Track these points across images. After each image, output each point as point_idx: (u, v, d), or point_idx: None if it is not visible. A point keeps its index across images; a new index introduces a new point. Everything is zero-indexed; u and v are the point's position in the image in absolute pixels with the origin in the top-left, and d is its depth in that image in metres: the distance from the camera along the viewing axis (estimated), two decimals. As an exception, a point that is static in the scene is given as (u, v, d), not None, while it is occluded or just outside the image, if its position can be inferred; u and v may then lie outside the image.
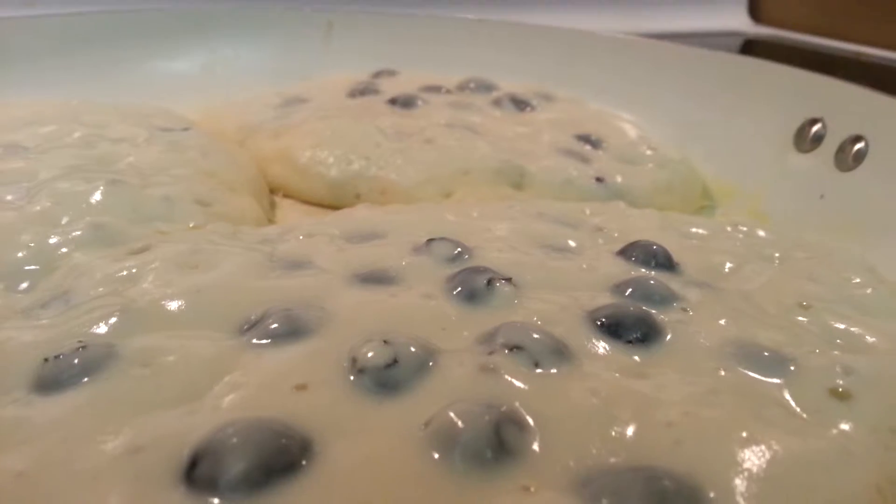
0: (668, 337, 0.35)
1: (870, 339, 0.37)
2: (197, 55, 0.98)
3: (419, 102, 0.77)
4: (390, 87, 0.82)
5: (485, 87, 0.84)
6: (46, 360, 0.32)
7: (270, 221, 0.58)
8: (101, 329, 0.34)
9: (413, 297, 0.37)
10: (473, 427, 0.27)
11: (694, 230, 0.51)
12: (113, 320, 0.35)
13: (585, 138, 0.71)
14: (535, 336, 0.33)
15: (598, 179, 0.63)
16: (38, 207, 0.47)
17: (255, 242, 0.44)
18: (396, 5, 1.17)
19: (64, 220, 0.46)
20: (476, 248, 0.43)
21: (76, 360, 0.32)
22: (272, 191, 0.65)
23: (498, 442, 0.27)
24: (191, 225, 0.48)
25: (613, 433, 0.28)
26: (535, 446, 0.27)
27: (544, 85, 0.87)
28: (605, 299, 0.38)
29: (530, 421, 0.28)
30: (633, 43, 0.93)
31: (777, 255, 0.48)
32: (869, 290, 0.43)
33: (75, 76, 0.86)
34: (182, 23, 1.01)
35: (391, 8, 1.14)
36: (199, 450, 0.26)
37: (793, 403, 0.31)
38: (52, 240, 0.44)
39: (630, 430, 0.28)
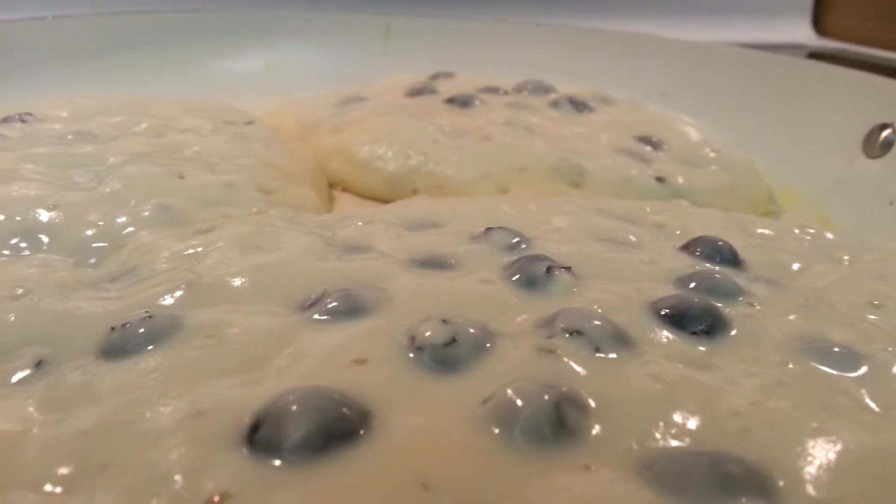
0: (734, 331, 0.34)
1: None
2: (259, 56, 1.00)
3: (477, 102, 0.77)
4: (448, 88, 0.83)
5: (542, 88, 0.84)
6: (113, 328, 0.33)
7: (329, 212, 0.59)
8: (168, 301, 0.35)
9: (471, 282, 0.37)
10: (533, 405, 0.27)
11: (760, 230, 0.50)
12: (179, 293, 0.35)
13: (646, 139, 0.70)
14: (596, 322, 0.32)
15: (659, 179, 0.62)
16: (108, 189, 0.48)
17: (315, 227, 0.45)
18: (454, 9, 1.18)
19: (132, 202, 0.47)
20: (534, 239, 0.43)
21: (142, 329, 0.32)
22: (331, 185, 0.66)
23: (558, 421, 0.26)
24: (254, 210, 0.49)
25: (677, 419, 0.27)
26: (596, 428, 0.27)
27: (602, 88, 0.86)
28: (668, 291, 0.37)
29: (591, 402, 0.28)
30: (694, 46, 0.92)
31: (846, 257, 0.47)
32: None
33: (142, 73, 0.89)
34: (245, 25, 1.03)
35: (449, 11, 1.15)
36: (262, 414, 0.26)
37: (866, 398, 0.30)
38: (120, 219, 0.46)
39: (694, 417, 0.28)
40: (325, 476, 0.24)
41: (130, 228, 0.44)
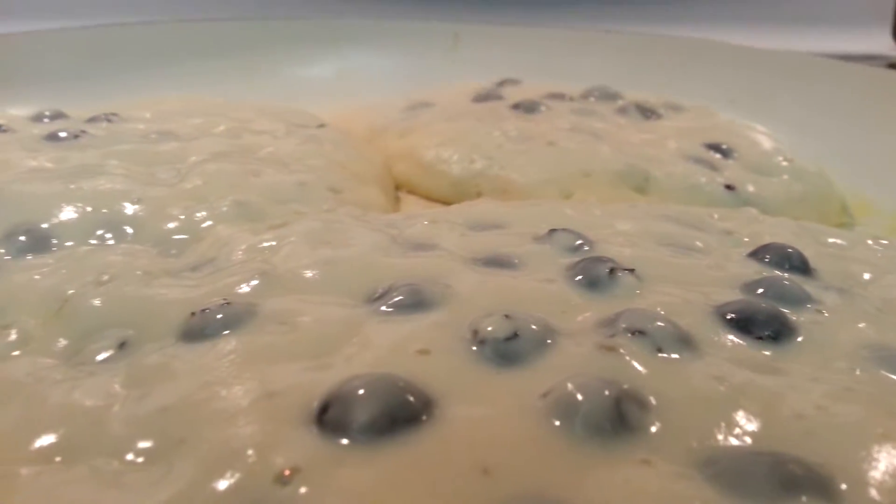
0: (801, 337, 0.34)
1: None
2: (331, 62, 1.03)
3: (542, 108, 0.77)
4: (514, 94, 0.83)
5: (609, 95, 0.84)
6: (193, 313, 0.35)
7: (395, 211, 0.60)
8: (244, 289, 0.37)
9: (533, 281, 0.38)
10: (593, 399, 0.27)
11: (831, 240, 0.49)
12: (254, 282, 0.37)
13: (715, 147, 0.69)
14: (659, 323, 0.32)
15: (728, 187, 0.61)
16: (189, 185, 0.51)
17: (382, 225, 0.46)
18: (523, 16, 1.19)
19: (211, 198, 0.49)
20: (598, 242, 0.43)
21: (219, 315, 0.34)
22: (397, 187, 0.68)
23: (618, 416, 0.27)
24: (324, 208, 0.51)
25: (739, 419, 0.27)
26: (656, 425, 0.27)
27: (672, 95, 0.85)
28: (734, 296, 0.37)
29: (652, 400, 0.28)
30: (767, 54, 0.90)
31: (922, 268, 0.45)
32: None
33: (220, 78, 0.93)
34: (319, 33, 1.06)
35: (518, 19, 1.15)
36: (331, 397, 0.27)
37: (938, 408, 0.29)
38: (200, 213, 0.48)
39: (757, 419, 0.28)
40: (389, 456, 0.25)
41: (209, 222, 0.47)
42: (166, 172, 0.54)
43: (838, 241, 0.49)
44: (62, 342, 0.35)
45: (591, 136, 0.69)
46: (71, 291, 0.38)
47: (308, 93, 0.90)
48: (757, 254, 0.43)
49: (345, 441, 0.26)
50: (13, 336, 0.36)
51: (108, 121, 0.67)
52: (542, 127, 0.71)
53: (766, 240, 0.46)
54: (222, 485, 0.24)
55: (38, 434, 0.28)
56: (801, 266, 0.42)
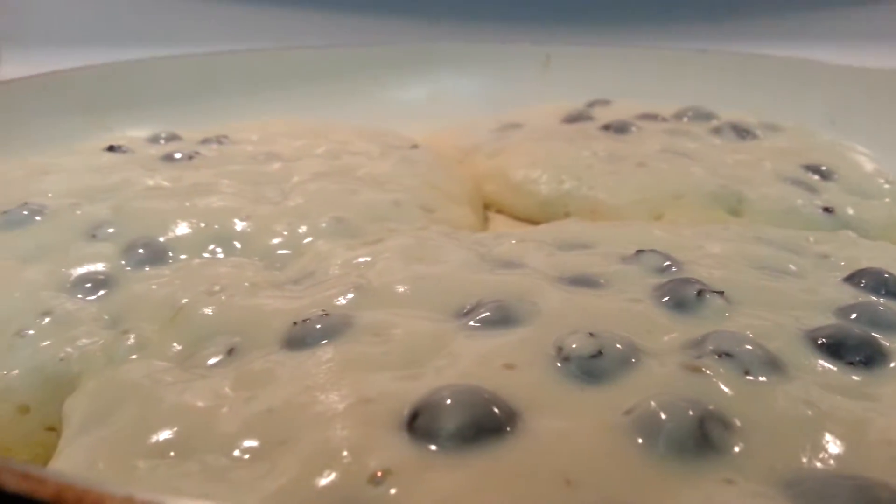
0: (893, 363, 0.33)
1: None
2: (423, 85, 1.06)
3: (633, 129, 0.77)
4: (604, 115, 0.83)
5: (703, 115, 0.83)
6: (295, 323, 0.37)
7: (484, 230, 0.62)
8: (341, 302, 0.39)
9: (619, 301, 0.38)
10: (677, 418, 0.27)
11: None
12: (350, 296, 0.39)
13: (814, 168, 0.67)
14: (748, 346, 0.32)
15: (827, 210, 0.60)
16: (292, 203, 0.54)
17: (471, 244, 0.48)
18: (614, 37, 1.18)
19: (312, 215, 0.52)
20: (686, 263, 0.43)
21: (319, 325, 0.37)
22: (486, 206, 0.69)
23: (702, 436, 0.27)
24: (417, 227, 0.53)
25: (824, 443, 0.27)
26: (740, 446, 0.27)
27: (769, 115, 0.84)
28: (826, 321, 0.36)
29: (737, 422, 0.28)
30: (867, 72, 0.87)
31: None
32: None
33: (319, 101, 0.97)
34: (411, 57, 1.10)
35: (609, 40, 1.15)
36: (420, 405, 0.29)
37: None
38: (302, 229, 0.51)
39: (843, 443, 0.27)
40: (474, 464, 0.26)
41: (310, 238, 0.49)
42: (272, 191, 0.57)
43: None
44: (176, 347, 0.38)
45: (684, 156, 0.69)
46: (185, 300, 0.41)
47: (402, 115, 0.93)
48: (853, 278, 0.42)
49: (433, 447, 0.27)
50: (131, 341, 0.39)
51: (219, 143, 0.72)
52: (632, 148, 0.71)
53: (864, 264, 0.45)
54: (320, 482, 0.26)
55: (154, 431, 0.31)
56: (899, 293, 0.40)
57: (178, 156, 0.66)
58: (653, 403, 0.28)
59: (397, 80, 1.06)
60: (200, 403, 0.32)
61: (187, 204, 0.54)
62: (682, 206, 0.60)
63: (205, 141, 0.72)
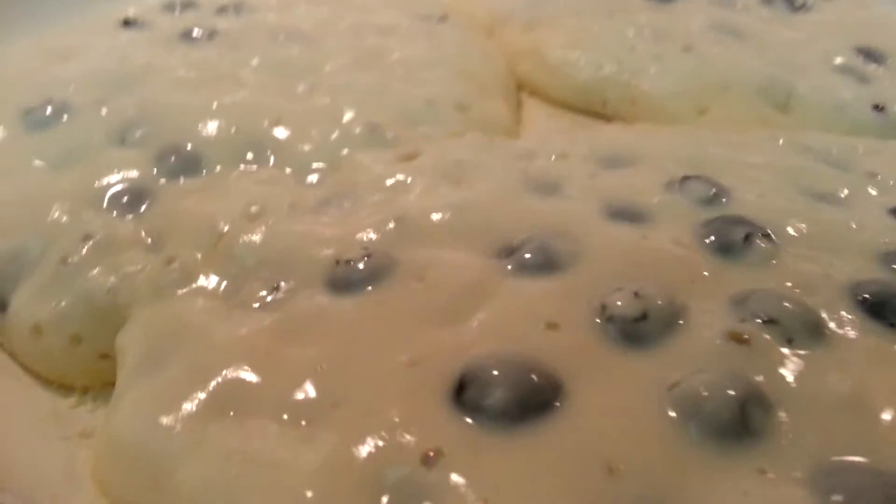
0: (940, 326, 0.33)
1: None
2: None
3: (680, -2, 0.72)
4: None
5: (756, -24, 0.77)
6: (338, 262, 0.37)
7: (518, 123, 0.60)
8: (382, 234, 0.38)
9: (664, 242, 0.38)
10: (719, 400, 0.28)
11: None
12: (391, 226, 0.39)
13: (866, 52, 0.63)
14: (790, 307, 0.33)
15: (877, 107, 0.57)
16: (322, 102, 0.52)
17: (510, 158, 0.46)
18: None
19: (343, 118, 0.51)
20: (733, 190, 0.42)
21: (361, 266, 0.37)
22: (519, 87, 0.66)
23: (742, 420, 0.28)
24: (451, 131, 0.51)
25: (863, 428, 0.28)
26: (778, 430, 0.28)
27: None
28: (869, 271, 0.36)
29: (776, 402, 0.29)
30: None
31: None
32: None
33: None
34: None
35: None
36: (468, 375, 0.30)
37: None
38: (334, 135, 0.49)
39: (882, 427, 0.28)
40: (522, 444, 0.28)
41: (344, 149, 0.48)
42: (300, 83, 0.55)
43: None
44: (222, 280, 0.39)
45: (733, 35, 0.65)
46: (226, 228, 0.41)
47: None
48: (896, 211, 0.41)
49: (482, 423, 0.29)
50: (176, 271, 0.39)
51: (237, 11, 0.68)
52: (679, 23, 0.67)
53: (915, 186, 0.43)
54: (372, 463, 0.28)
55: (209, 386, 0.32)
56: (950, 232, 0.40)
57: (196, 33, 0.63)
58: (698, 383, 0.29)
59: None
60: (251, 358, 0.33)
61: (214, 102, 0.52)
62: (729, 100, 0.58)
63: (221, 10, 0.68)
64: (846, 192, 0.44)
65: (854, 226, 0.40)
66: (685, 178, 0.43)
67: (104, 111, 0.51)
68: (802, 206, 0.42)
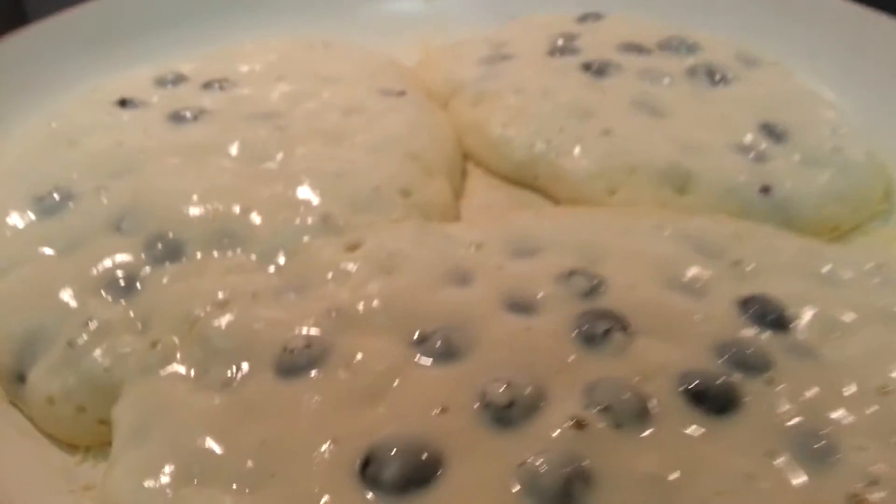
0: (740, 411, 0.43)
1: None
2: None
3: (612, 70, 0.80)
4: (590, 44, 0.86)
5: (686, 47, 0.85)
6: (285, 349, 0.47)
7: (457, 201, 0.70)
8: (323, 325, 0.48)
9: (542, 333, 0.47)
10: (551, 476, 0.38)
11: (826, 270, 0.55)
12: (332, 316, 0.49)
13: (770, 128, 0.71)
14: (624, 396, 0.42)
15: (764, 190, 0.65)
16: (287, 191, 0.61)
17: (437, 248, 0.55)
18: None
19: (303, 207, 0.60)
20: (610, 281, 0.51)
21: (304, 355, 0.47)
22: (466, 157, 0.76)
23: (565, 495, 0.38)
24: (393, 217, 0.61)
25: (661, 500, 0.38)
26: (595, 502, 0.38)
27: (753, 41, 0.86)
28: (702, 361, 0.46)
29: (597, 479, 0.39)
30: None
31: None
32: None
33: (308, 15, 0.99)
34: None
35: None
36: (371, 453, 0.40)
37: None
38: (295, 222, 0.59)
39: (678, 499, 0.38)
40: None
41: (304, 236, 0.57)
42: (271, 168, 0.64)
43: (838, 274, 0.55)
44: (194, 362, 0.49)
45: (651, 113, 0.73)
46: (199, 313, 0.51)
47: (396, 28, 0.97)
48: (746, 305, 0.50)
49: (379, 494, 0.39)
50: (160, 352, 0.49)
51: (222, 88, 0.77)
52: (606, 101, 0.75)
53: (767, 274, 0.53)
54: (298, 523, 0.38)
55: (182, 457, 0.42)
56: (777, 323, 0.49)
57: (185, 113, 0.72)
58: (537, 461, 0.39)
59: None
60: (213, 433, 0.43)
61: (197, 188, 0.61)
62: (634, 182, 0.66)
63: (207, 85, 0.78)
64: (703, 282, 0.53)
65: (700, 317, 0.49)
66: (571, 273, 0.52)
67: (104, 199, 0.61)
68: (662, 297, 0.51)
